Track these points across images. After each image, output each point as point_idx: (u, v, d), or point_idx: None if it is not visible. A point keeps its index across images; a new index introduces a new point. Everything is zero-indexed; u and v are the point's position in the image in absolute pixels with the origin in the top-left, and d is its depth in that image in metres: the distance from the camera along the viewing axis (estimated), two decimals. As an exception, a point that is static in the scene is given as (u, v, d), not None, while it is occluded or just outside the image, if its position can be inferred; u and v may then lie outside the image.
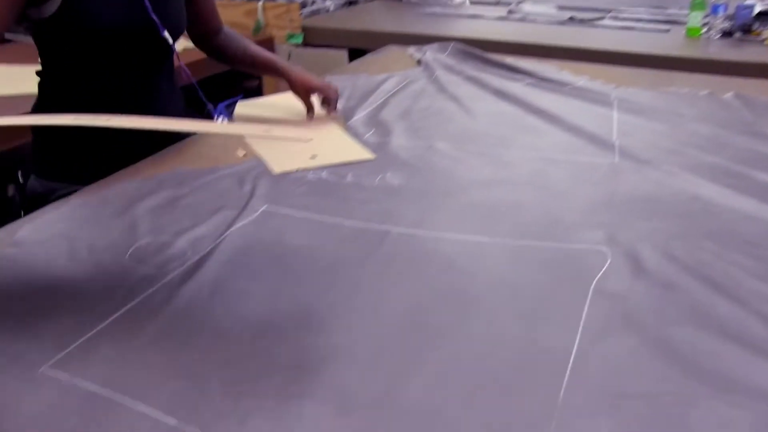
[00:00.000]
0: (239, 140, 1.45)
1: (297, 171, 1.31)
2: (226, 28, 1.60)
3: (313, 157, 1.36)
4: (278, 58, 1.62)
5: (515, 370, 0.77)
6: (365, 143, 1.45)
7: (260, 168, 1.32)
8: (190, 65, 1.59)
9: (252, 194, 1.20)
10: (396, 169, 1.32)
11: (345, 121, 1.59)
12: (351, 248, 1.03)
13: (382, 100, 1.75)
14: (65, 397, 0.74)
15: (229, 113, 2.80)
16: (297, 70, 1.57)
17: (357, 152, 1.40)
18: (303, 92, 1.58)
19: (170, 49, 1.39)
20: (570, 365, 0.78)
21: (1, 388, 0.75)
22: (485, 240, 1.05)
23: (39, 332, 0.84)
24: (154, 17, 1.32)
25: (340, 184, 1.25)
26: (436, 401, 0.73)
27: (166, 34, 1.35)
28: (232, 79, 2.53)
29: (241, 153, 1.39)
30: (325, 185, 1.25)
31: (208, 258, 1.01)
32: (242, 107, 1.72)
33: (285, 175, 1.29)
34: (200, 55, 1.66)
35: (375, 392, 0.74)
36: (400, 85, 1.86)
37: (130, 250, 1.03)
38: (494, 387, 0.75)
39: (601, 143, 1.44)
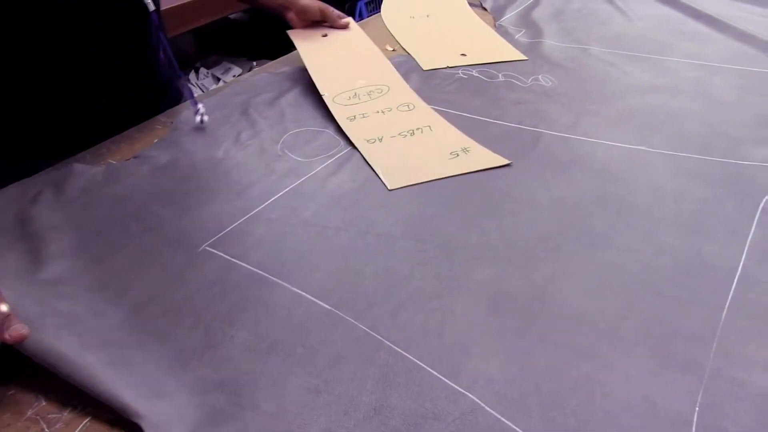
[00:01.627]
0: (388, 35, 1.43)
1: (446, 68, 1.29)
2: None
3: (464, 54, 1.33)
4: None
5: (676, 283, 0.75)
6: (515, 43, 1.40)
7: (410, 63, 1.31)
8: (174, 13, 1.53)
9: (402, 89, 1.20)
10: (548, 70, 1.27)
11: (495, 20, 1.54)
12: (503, 148, 1.01)
13: (533, -1, 1.67)
14: (225, 273, 0.79)
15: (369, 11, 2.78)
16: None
17: (508, 52, 1.35)
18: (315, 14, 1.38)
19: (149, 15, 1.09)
20: (734, 285, 0.74)
21: (168, 262, 0.81)
22: (642, 148, 1.01)
23: (200, 215, 0.89)
24: None
25: (491, 84, 1.22)
26: (594, 307, 0.72)
27: None
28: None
29: (390, 48, 1.38)
30: (476, 84, 1.22)
31: (358, 150, 1.02)
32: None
33: (434, 72, 1.27)
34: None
35: (529, 293, 0.74)
36: (553, -16, 1.77)
37: (281, 140, 1.06)
38: (654, 298, 0.73)
39: (776, 53, 1.33)
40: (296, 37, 1.34)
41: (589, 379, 0.63)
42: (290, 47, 1.36)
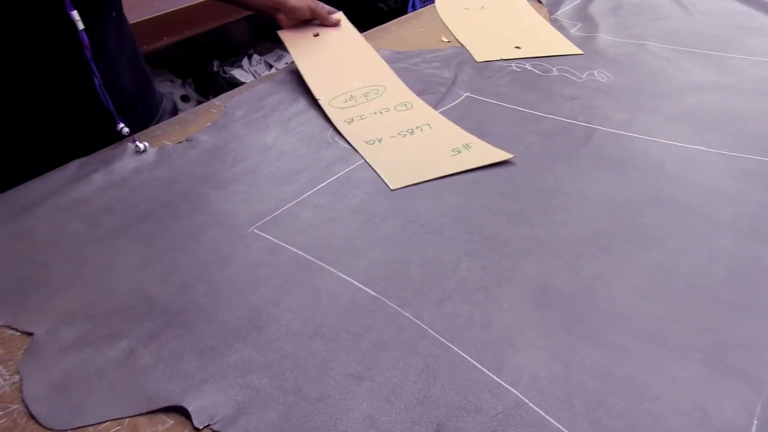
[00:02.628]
0: (442, 26, 1.42)
1: (500, 60, 1.27)
2: None
3: (518, 47, 1.32)
4: None
5: (732, 289, 0.72)
6: (570, 37, 1.38)
7: (463, 55, 1.30)
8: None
9: (454, 80, 1.19)
10: (604, 66, 1.25)
11: (550, 13, 1.52)
12: (555, 142, 0.99)
13: (590, -8, 1.64)
14: (273, 255, 0.79)
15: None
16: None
17: (563, 46, 1.33)
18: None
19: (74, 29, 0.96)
20: (793, 292, 0.72)
21: (216, 243, 0.82)
22: (700, 148, 0.98)
23: (248, 198, 0.90)
24: None
25: (544, 77, 1.20)
26: (643, 308, 0.70)
27: (75, 14, 0.95)
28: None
29: (444, 39, 1.37)
30: (529, 77, 1.21)
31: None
32: None
33: (487, 64, 1.26)
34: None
35: (576, 289, 0.73)
36: (611, -22, 1.73)
37: (330, 129, 1.06)
38: (708, 302, 0.71)
39: None
40: (287, 38, 1.30)
41: (637, 381, 0.62)
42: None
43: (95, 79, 1.00)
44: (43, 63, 0.99)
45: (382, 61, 1.23)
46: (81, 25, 0.95)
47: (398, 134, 1.01)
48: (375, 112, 1.07)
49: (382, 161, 0.96)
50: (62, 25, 0.95)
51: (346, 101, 1.10)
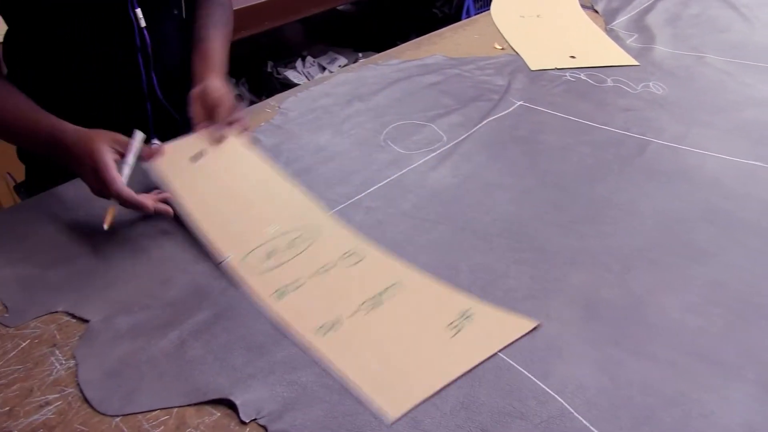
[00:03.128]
0: (496, 33, 1.43)
1: (554, 69, 1.27)
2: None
3: (573, 57, 1.31)
4: (217, 62, 1.02)
5: (786, 306, 0.72)
6: (627, 48, 1.37)
7: (517, 63, 1.30)
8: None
9: (508, 88, 1.19)
10: (660, 77, 1.24)
11: (606, 23, 1.51)
12: (608, 154, 0.99)
13: (647, 3, 1.62)
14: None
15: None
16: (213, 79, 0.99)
17: (618, 56, 1.32)
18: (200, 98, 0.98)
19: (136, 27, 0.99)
20: None
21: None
22: (758, 164, 0.96)
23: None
24: None
25: (599, 88, 1.20)
26: (694, 324, 0.69)
27: (139, 12, 0.98)
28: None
29: (498, 46, 1.37)
30: (584, 87, 1.20)
31: (461, 146, 1.02)
32: None
33: (542, 73, 1.26)
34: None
35: (625, 302, 0.72)
36: (670, -11, 1.71)
37: (384, 131, 1.07)
38: (761, 321, 0.70)
39: None
40: (161, 166, 0.91)
41: (686, 398, 0.61)
42: (396, 40, 1.36)
43: (153, 76, 1.03)
44: (102, 59, 1.01)
45: (297, 188, 0.90)
46: (143, 23, 0.98)
47: (361, 307, 0.72)
48: (315, 273, 0.77)
49: (348, 364, 0.66)
50: (124, 22, 0.98)
51: (267, 256, 0.79)
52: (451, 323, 0.69)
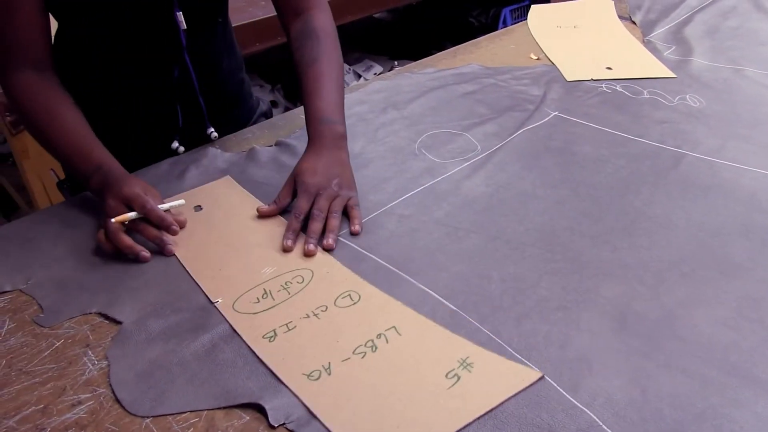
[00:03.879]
0: (533, 43, 1.43)
1: (590, 80, 1.27)
2: (319, 24, 1.03)
3: (609, 68, 1.31)
4: (321, 119, 0.95)
5: (821, 323, 0.71)
6: (664, 60, 1.36)
7: (553, 73, 1.30)
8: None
9: (543, 98, 1.19)
10: (697, 90, 1.23)
11: (643, 35, 1.50)
12: (643, 166, 0.98)
13: (686, 15, 1.61)
14: (355, 263, 0.82)
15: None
16: (312, 158, 0.93)
17: (655, 68, 1.31)
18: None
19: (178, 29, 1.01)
20: None
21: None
22: (796, 180, 0.95)
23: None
24: None
25: (635, 100, 1.19)
26: (727, 338, 0.69)
27: (180, 16, 0.99)
28: None
29: (534, 56, 1.38)
30: (620, 99, 1.20)
31: (495, 155, 1.03)
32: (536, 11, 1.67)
33: (577, 83, 1.26)
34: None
35: (658, 315, 0.72)
36: (709, 1, 1.69)
37: (419, 140, 1.08)
38: (795, 336, 0.69)
39: None
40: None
41: (717, 413, 0.61)
42: (431, 49, 1.37)
43: (193, 80, 1.05)
44: (143, 61, 1.04)
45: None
46: (183, 26, 1.00)
47: (354, 353, 0.69)
48: (307, 315, 0.74)
49: (334, 416, 0.63)
50: (167, 26, 1.00)
51: (258, 299, 0.77)
52: (449, 372, 0.66)
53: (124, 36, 1.00)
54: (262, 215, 0.90)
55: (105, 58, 1.03)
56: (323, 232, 0.86)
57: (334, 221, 0.87)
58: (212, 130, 1.13)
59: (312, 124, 0.95)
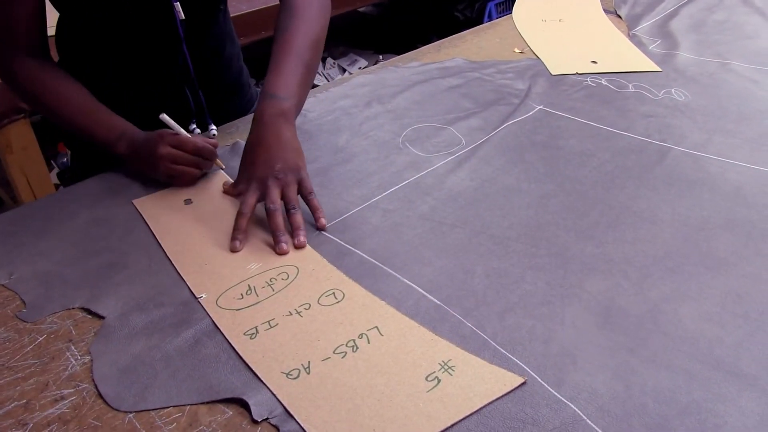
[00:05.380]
0: (518, 37, 1.42)
1: (575, 74, 1.26)
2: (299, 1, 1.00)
3: (594, 62, 1.30)
4: (266, 93, 0.92)
5: (805, 318, 0.71)
6: (649, 54, 1.36)
7: (538, 67, 1.29)
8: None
9: (528, 92, 1.19)
10: (682, 84, 1.22)
11: (629, 29, 1.50)
12: (628, 160, 0.98)
13: (672, 9, 1.61)
14: (339, 258, 0.81)
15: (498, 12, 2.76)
16: (260, 130, 0.89)
17: (641, 62, 1.31)
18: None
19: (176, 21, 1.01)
20: None
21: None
22: (781, 174, 0.95)
23: (320, 200, 0.90)
24: None
25: (620, 94, 1.19)
26: (711, 333, 0.69)
27: (178, 6, 0.99)
28: None
29: (519, 50, 1.37)
30: (605, 92, 1.19)
31: (480, 150, 1.02)
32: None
33: (562, 77, 1.25)
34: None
35: (642, 310, 0.72)
36: (695, -6, 1.70)
37: (403, 134, 1.07)
38: (779, 330, 0.69)
39: None
40: (146, 208, 0.93)
41: (701, 408, 0.61)
42: (416, 43, 1.37)
43: (190, 70, 1.05)
44: (139, 49, 1.03)
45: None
46: (181, 15, 0.99)
47: (335, 352, 0.68)
48: (289, 313, 0.73)
49: (310, 416, 0.61)
50: (166, 16, 1.00)
51: (242, 296, 0.76)
52: (430, 374, 0.64)
53: (123, 26, 1.00)
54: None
55: (105, 48, 1.04)
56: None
57: (297, 216, 0.84)
58: (213, 128, 1.11)
59: (258, 100, 0.92)
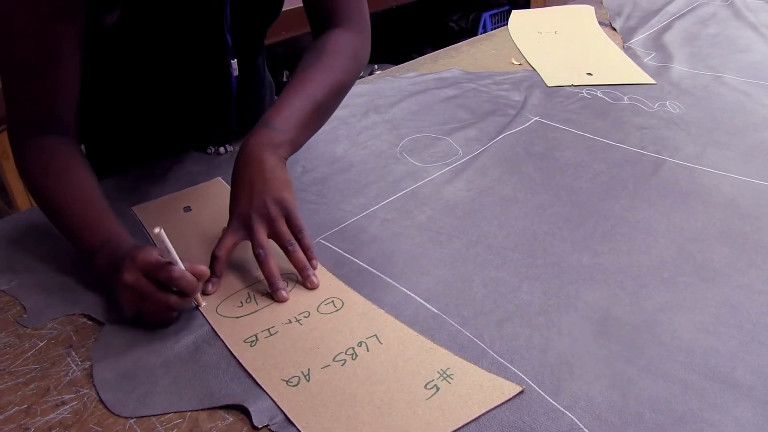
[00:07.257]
0: (514, 48, 1.43)
1: (571, 86, 1.27)
2: (334, 38, 0.93)
3: (589, 74, 1.32)
4: (262, 120, 0.83)
5: (799, 329, 0.71)
6: (644, 66, 1.37)
7: (534, 79, 1.30)
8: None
9: (524, 104, 1.20)
10: (676, 97, 1.24)
11: (624, 41, 1.51)
12: (623, 172, 0.99)
13: (666, 22, 1.62)
14: (338, 267, 0.82)
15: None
16: (245, 168, 0.80)
17: (636, 75, 1.32)
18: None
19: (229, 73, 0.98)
20: None
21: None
22: (774, 186, 0.96)
23: (316, 209, 0.92)
24: (229, 38, 0.94)
25: (615, 106, 1.20)
26: (707, 343, 0.69)
27: (234, 63, 0.97)
28: None
29: (515, 62, 1.38)
30: (600, 104, 1.21)
31: (476, 160, 1.03)
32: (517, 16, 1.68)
33: (558, 89, 1.26)
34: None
35: (638, 320, 0.72)
36: (689, 8, 1.71)
37: (400, 144, 1.08)
38: (773, 341, 0.70)
39: None
40: (145, 214, 0.94)
41: (696, 417, 0.61)
42: (412, 53, 1.37)
43: (233, 120, 1.06)
44: (188, 102, 1.01)
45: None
46: (236, 72, 0.98)
47: (335, 360, 0.68)
48: (289, 321, 0.74)
49: (309, 421, 0.62)
50: (221, 71, 0.98)
51: (241, 303, 0.76)
52: (429, 382, 0.65)
53: (175, 84, 0.98)
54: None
55: (147, 105, 1.01)
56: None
57: (297, 254, 0.77)
58: (230, 146, 1.09)
59: (260, 125, 0.83)
